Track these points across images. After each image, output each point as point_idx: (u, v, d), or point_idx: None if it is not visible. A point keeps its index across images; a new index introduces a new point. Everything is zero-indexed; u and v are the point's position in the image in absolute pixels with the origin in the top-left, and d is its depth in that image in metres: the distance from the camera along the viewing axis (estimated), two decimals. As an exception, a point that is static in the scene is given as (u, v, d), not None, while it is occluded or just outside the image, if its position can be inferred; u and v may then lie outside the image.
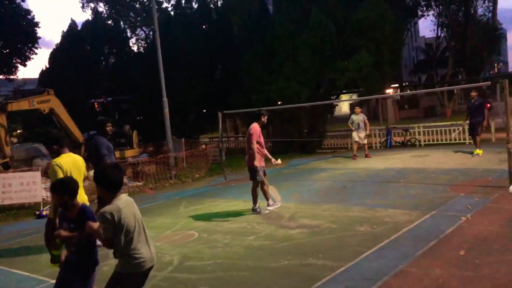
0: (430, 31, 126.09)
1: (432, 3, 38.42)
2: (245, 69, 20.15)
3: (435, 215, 7.05)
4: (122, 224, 3.37)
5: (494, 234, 5.90)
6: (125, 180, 6.12)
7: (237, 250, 6.23)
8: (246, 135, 8.71)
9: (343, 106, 56.02)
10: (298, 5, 19.52)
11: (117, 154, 14.51)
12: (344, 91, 22.25)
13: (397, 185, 9.89)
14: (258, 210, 8.34)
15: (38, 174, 11.22)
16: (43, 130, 22.35)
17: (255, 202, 8.41)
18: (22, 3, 28.66)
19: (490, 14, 38.36)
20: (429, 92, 39.08)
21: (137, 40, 39.25)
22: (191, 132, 25.70)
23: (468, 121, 13.84)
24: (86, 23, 30.98)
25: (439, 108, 41.82)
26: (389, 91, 27.56)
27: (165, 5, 35.65)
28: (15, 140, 26.94)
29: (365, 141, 15.51)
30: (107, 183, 3.47)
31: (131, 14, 37.40)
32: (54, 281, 5.50)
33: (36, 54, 30.22)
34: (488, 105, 17.47)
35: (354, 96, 23.69)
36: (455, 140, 17.31)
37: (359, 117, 15.26)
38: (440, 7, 38.34)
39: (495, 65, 68.94)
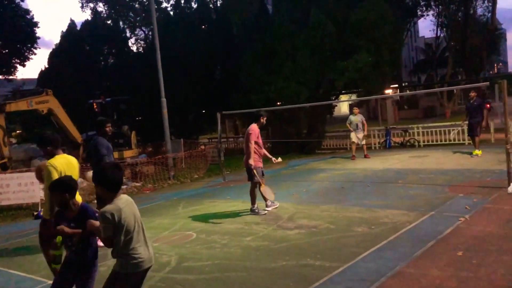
0: (430, 31, 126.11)
1: (432, 3, 38.42)
2: (245, 69, 20.15)
3: (434, 215, 7.04)
4: (122, 224, 3.36)
5: (492, 234, 5.89)
6: (124, 180, 6.11)
7: (235, 251, 6.22)
8: (245, 135, 8.70)
9: (343, 106, 56.04)
10: (298, 5, 19.53)
11: (116, 154, 14.50)
12: (343, 91, 22.26)
13: (396, 186, 9.88)
14: (257, 210, 8.33)
15: (36, 174, 11.21)
16: (42, 131, 22.35)
17: (253, 202, 8.40)
18: (21, 3, 28.69)
19: (489, 14, 38.34)
20: (429, 93, 39.09)
21: (136, 40, 39.24)
22: (190, 132, 25.70)
23: (467, 122, 13.84)
24: (86, 23, 31.00)
25: (438, 109, 41.83)
26: (389, 91, 27.57)
27: (164, 5, 35.61)
28: (14, 140, 26.93)
29: (364, 142, 15.50)
30: (107, 182, 3.46)
31: (131, 14, 37.36)
32: (51, 282, 5.54)
33: (35, 54, 30.21)
34: (488, 105, 17.48)
35: (354, 97, 23.68)
36: (454, 140, 17.31)
37: (357, 118, 15.24)
38: (440, 7, 38.34)
39: (495, 65, 68.95)
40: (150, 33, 33.98)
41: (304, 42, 18.49)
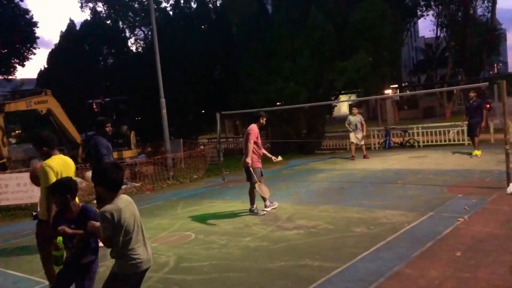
0: (430, 31, 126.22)
1: (432, 3, 38.39)
2: (244, 70, 20.14)
3: (432, 216, 7.03)
4: (121, 224, 3.36)
5: (491, 235, 5.88)
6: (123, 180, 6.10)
7: (233, 251, 6.22)
8: (244, 135, 8.69)
9: (343, 106, 56.05)
10: (297, 5, 19.51)
11: (115, 154, 14.50)
12: (343, 91, 22.25)
13: (395, 186, 9.87)
14: (256, 211, 8.33)
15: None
16: (40, 131, 22.34)
17: (252, 203, 8.40)
18: (20, 3, 28.71)
19: (489, 14, 38.36)
20: (428, 93, 39.11)
21: (136, 40, 39.26)
22: (190, 132, 25.70)
23: (466, 122, 13.83)
24: (85, 23, 31.01)
25: (438, 109, 41.84)
26: (388, 91, 27.55)
27: (164, 5, 35.61)
28: (13, 140, 26.92)
29: (363, 142, 15.49)
30: (108, 182, 3.46)
31: (130, 14, 37.34)
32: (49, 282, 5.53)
33: (34, 54, 30.23)
34: (488, 105, 17.47)
35: (353, 97, 23.68)
36: (453, 141, 17.30)
37: (356, 118, 15.23)
38: (440, 7, 38.33)
39: (495, 65, 68.96)
40: (149, 33, 33.97)
41: (303, 42, 18.48)
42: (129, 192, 12.61)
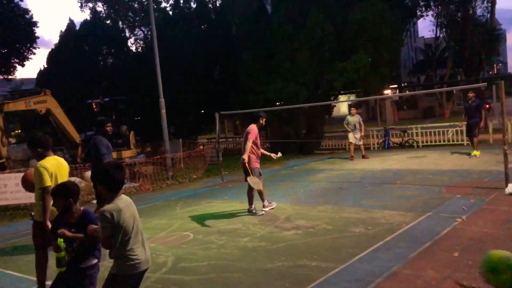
0: (429, 31, 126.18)
1: (431, 4, 38.37)
2: (244, 70, 20.14)
3: (431, 216, 7.04)
4: (121, 224, 3.35)
5: (488, 235, 5.89)
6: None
7: (231, 252, 6.22)
8: (244, 134, 8.69)
9: (342, 106, 56.02)
10: (297, 5, 19.52)
11: (114, 154, 14.50)
12: (342, 91, 22.25)
13: (394, 186, 9.88)
14: (254, 211, 8.33)
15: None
16: (41, 131, 22.35)
17: (251, 203, 8.40)
18: (20, 3, 28.75)
19: (489, 15, 38.34)
20: (428, 93, 39.12)
21: (135, 40, 39.20)
22: (189, 132, 25.70)
23: (465, 122, 13.83)
24: (85, 23, 31.00)
25: (437, 109, 41.85)
26: (388, 91, 27.55)
27: (163, 5, 35.57)
28: (13, 140, 26.93)
29: (361, 142, 15.51)
30: (109, 182, 3.46)
31: (130, 14, 37.31)
32: (48, 282, 5.53)
33: (34, 54, 30.23)
34: (487, 106, 17.46)
35: (352, 97, 23.68)
36: (453, 141, 17.31)
37: (354, 118, 15.25)
38: (439, 7, 38.32)
39: (494, 65, 68.96)
40: (149, 33, 33.92)
41: (303, 43, 18.48)
42: (128, 192, 12.61)
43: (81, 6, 37.74)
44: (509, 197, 7.86)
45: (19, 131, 32.08)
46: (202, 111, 25.94)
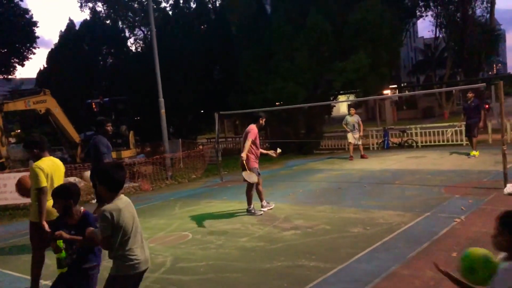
0: (429, 31, 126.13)
1: (431, 4, 38.41)
2: (243, 70, 20.15)
3: (429, 216, 7.05)
4: (120, 224, 3.35)
5: (487, 235, 5.83)
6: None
7: (230, 252, 6.23)
8: (243, 134, 8.69)
9: (342, 106, 56.03)
10: (296, 5, 19.53)
11: (114, 154, 14.50)
12: (341, 91, 22.26)
13: (392, 187, 9.89)
14: (253, 211, 8.34)
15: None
16: (40, 131, 22.36)
17: (249, 203, 8.41)
18: (20, 2, 28.76)
19: (488, 15, 38.35)
20: (427, 93, 39.13)
21: (135, 40, 39.21)
22: (189, 132, 25.70)
23: (464, 122, 13.84)
24: (84, 23, 30.97)
25: (437, 109, 41.86)
26: (387, 91, 27.57)
27: (163, 4, 35.60)
28: (12, 140, 26.93)
29: (360, 142, 15.53)
30: (110, 182, 3.45)
31: (130, 14, 37.31)
32: (46, 282, 5.54)
33: (34, 53, 30.28)
34: (487, 106, 17.42)
35: (352, 97, 23.69)
36: (452, 141, 17.32)
37: (353, 118, 15.28)
38: (439, 7, 38.33)
39: (494, 66, 68.96)
40: (149, 33, 33.94)
41: (302, 43, 18.49)
42: (127, 192, 12.61)
43: (80, 6, 37.80)
44: (508, 197, 7.87)
45: (19, 131, 32.05)
46: (202, 111, 25.94)
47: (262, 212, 8.36)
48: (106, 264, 3.78)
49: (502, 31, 69.83)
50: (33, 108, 14.85)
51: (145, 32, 36.36)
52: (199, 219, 8.37)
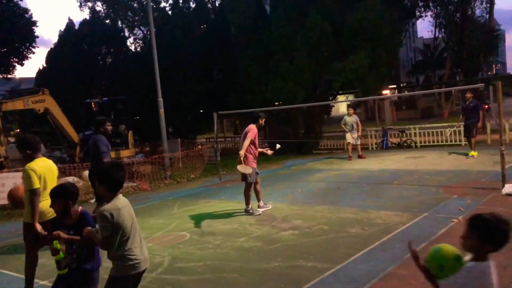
0: (428, 32, 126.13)
1: (430, 4, 38.43)
2: (242, 69, 20.16)
3: (427, 217, 7.05)
4: (120, 224, 3.35)
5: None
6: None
7: (227, 252, 6.23)
8: (242, 133, 8.69)
9: (341, 106, 56.04)
10: (295, 5, 19.53)
11: (113, 154, 14.49)
12: (341, 91, 22.27)
13: (391, 187, 9.89)
14: (251, 211, 8.34)
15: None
16: (39, 130, 22.35)
17: (247, 203, 8.41)
18: (20, 2, 28.65)
19: (487, 15, 38.37)
20: (427, 93, 39.16)
21: (135, 39, 39.21)
22: (188, 132, 25.70)
23: (463, 123, 13.84)
24: (84, 22, 30.98)
25: (436, 109, 41.89)
26: (386, 92, 27.58)
27: (163, 4, 35.62)
28: (12, 140, 26.92)
29: (359, 142, 15.54)
30: (110, 182, 3.45)
31: (129, 13, 37.32)
32: (43, 283, 5.54)
33: (33, 53, 30.22)
34: (486, 106, 17.38)
35: (351, 97, 23.70)
36: (450, 141, 17.32)
37: (352, 119, 15.28)
38: (438, 8, 38.36)
39: (493, 66, 69.00)
40: (148, 32, 33.96)
41: (301, 43, 18.50)
42: (126, 192, 12.61)
43: (80, 6, 37.80)
44: (506, 198, 7.87)
45: (18, 130, 32.04)
46: (201, 111, 25.94)
47: (260, 212, 8.37)
48: (106, 264, 3.78)
49: (502, 31, 69.85)
50: (32, 108, 14.86)
51: (145, 32, 36.38)
52: (198, 219, 8.37)
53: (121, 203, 3.44)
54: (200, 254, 6.22)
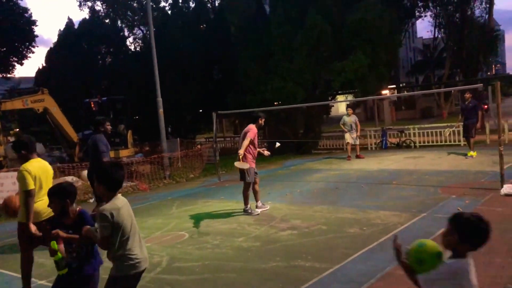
0: (428, 32, 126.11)
1: (430, 4, 38.39)
2: (242, 69, 20.15)
3: (425, 217, 7.06)
4: (120, 224, 3.35)
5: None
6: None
7: (226, 252, 6.23)
8: (242, 133, 8.69)
9: (341, 106, 56.04)
10: (295, 5, 19.53)
11: (112, 154, 14.50)
12: (340, 91, 22.26)
13: (390, 187, 9.90)
14: (250, 211, 8.35)
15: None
16: (39, 130, 22.36)
17: (246, 203, 8.42)
18: (19, 1, 28.66)
19: (487, 16, 38.32)
20: (426, 93, 39.13)
21: (134, 39, 39.20)
22: (188, 132, 25.70)
23: (461, 123, 13.86)
24: (83, 22, 30.95)
25: (436, 109, 41.89)
26: (386, 92, 27.58)
27: (162, 4, 35.61)
28: (11, 139, 26.91)
29: (358, 142, 15.56)
30: (108, 181, 3.45)
31: (129, 13, 37.30)
32: (41, 282, 5.55)
33: (33, 52, 30.24)
34: (486, 106, 17.35)
35: (350, 97, 23.69)
36: (449, 141, 17.32)
37: (351, 119, 15.30)
38: (438, 8, 38.33)
39: (493, 66, 69.00)
40: (148, 32, 33.94)
41: (301, 43, 18.49)
42: (125, 192, 12.61)
43: (80, 5, 37.77)
44: (504, 198, 7.88)
45: (18, 130, 32.04)
46: (201, 111, 25.94)
47: (259, 212, 8.37)
48: (106, 265, 3.78)
49: (501, 32, 69.87)
50: (31, 107, 14.86)
51: (144, 32, 36.37)
52: (196, 219, 8.38)
53: (120, 203, 3.44)
54: (199, 254, 6.22)
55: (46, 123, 16.79)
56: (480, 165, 11.70)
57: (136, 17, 37.28)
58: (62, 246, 3.72)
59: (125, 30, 36.61)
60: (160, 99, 15.38)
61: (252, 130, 8.41)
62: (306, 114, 20.16)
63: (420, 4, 38.14)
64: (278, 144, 9.17)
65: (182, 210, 9.43)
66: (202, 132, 29.82)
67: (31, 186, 4.90)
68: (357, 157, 15.33)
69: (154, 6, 31.92)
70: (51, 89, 15.83)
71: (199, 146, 20.35)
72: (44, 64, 31.02)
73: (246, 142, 8.28)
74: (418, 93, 43.68)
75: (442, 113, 37.53)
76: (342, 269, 5.17)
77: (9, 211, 5.53)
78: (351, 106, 16.57)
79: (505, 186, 8.23)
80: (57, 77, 26.46)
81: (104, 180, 3.46)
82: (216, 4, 32.94)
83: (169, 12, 29.84)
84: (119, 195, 3.52)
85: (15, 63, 30.41)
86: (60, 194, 3.78)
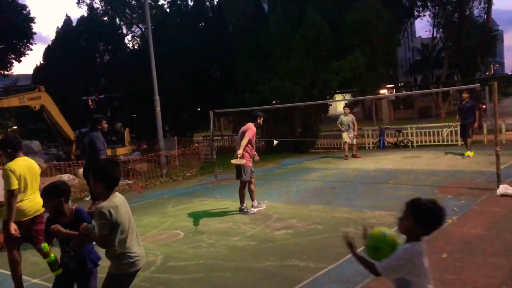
0: (426, 31, 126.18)
1: (428, 4, 38.40)
2: (240, 68, 20.13)
3: (421, 217, 7.03)
4: (118, 221, 3.33)
5: (478, 236, 5.90)
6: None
7: (221, 251, 6.21)
8: (240, 132, 8.66)
9: (339, 105, 56.01)
10: (293, 4, 19.51)
11: (109, 151, 14.47)
12: (338, 91, 22.25)
13: (386, 187, 9.88)
14: (246, 210, 8.33)
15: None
16: (35, 127, 22.32)
17: (242, 202, 8.39)
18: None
19: (485, 16, 38.32)
20: (424, 93, 39.14)
21: (132, 37, 39.06)
22: (185, 130, 25.67)
23: (459, 123, 13.85)
24: (82, 19, 30.89)
25: (434, 109, 41.93)
26: (384, 91, 27.57)
27: (161, 2, 35.50)
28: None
29: (355, 141, 15.56)
30: (106, 179, 3.43)
31: (127, 10, 37.15)
32: (35, 281, 5.52)
33: (31, 50, 30.19)
34: (484, 106, 17.34)
35: (348, 96, 23.69)
36: (447, 141, 17.32)
37: (348, 118, 15.30)
38: (436, 7, 38.33)
39: (491, 66, 69.08)
40: (146, 30, 33.85)
41: (299, 42, 18.48)
42: (121, 190, 12.57)
43: (78, 3, 37.52)
44: (501, 198, 7.87)
45: (15, 127, 32.01)
46: (199, 109, 25.91)
47: (254, 211, 8.35)
48: (104, 264, 3.75)
49: (500, 32, 69.91)
50: (28, 105, 14.82)
51: (143, 29, 36.22)
52: (192, 218, 8.36)
53: (118, 200, 3.42)
54: (194, 252, 6.20)
55: (43, 120, 16.75)
56: (477, 165, 11.70)
57: (134, 15, 37.12)
58: (52, 249, 3.71)
59: (124, 28, 36.48)
60: (157, 97, 15.33)
61: (251, 129, 8.38)
62: (304, 113, 20.14)
63: (418, 3, 38.14)
64: (275, 142, 9.16)
65: (178, 208, 9.41)
66: (200, 130, 29.80)
67: (14, 185, 4.86)
68: (353, 156, 15.33)
69: (152, 4, 31.83)
70: (49, 86, 15.80)
71: (196, 145, 20.32)
72: (42, 62, 30.97)
73: (244, 142, 8.25)
74: (416, 93, 43.75)
75: (440, 113, 37.56)
76: (337, 269, 5.15)
77: None
78: (348, 105, 16.56)
79: (501, 186, 8.23)
80: (55, 74, 26.43)
81: (101, 178, 3.44)
82: (215, 3, 32.85)
83: (168, 10, 29.79)
84: (117, 193, 3.50)
85: (13, 60, 30.36)
86: (54, 193, 3.76)
